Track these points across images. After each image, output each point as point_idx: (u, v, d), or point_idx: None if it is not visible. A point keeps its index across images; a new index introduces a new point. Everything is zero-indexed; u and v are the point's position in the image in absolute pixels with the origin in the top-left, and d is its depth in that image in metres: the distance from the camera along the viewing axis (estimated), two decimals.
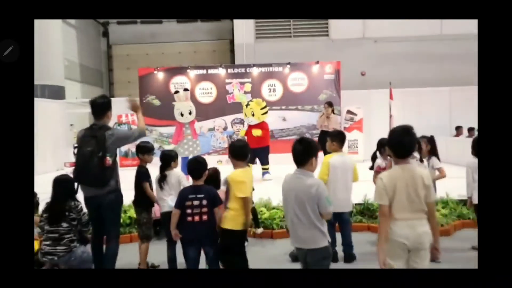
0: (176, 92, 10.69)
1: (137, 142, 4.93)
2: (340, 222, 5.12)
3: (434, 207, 3.20)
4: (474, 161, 5.44)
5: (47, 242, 4.79)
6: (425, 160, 5.56)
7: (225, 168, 9.97)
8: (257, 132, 9.26)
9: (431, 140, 5.57)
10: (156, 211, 5.30)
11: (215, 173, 4.80)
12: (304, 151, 3.39)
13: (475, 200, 5.48)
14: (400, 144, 3.18)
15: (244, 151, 4.18)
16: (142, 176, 4.91)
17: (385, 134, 3.75)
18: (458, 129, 13.02)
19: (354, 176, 5.06)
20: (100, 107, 4.38)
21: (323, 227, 3.37)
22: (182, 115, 9.43)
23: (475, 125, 12.74)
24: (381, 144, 5.54)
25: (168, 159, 4.96)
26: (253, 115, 9.48)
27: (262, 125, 9.46)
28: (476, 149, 5.45)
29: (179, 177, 4.94)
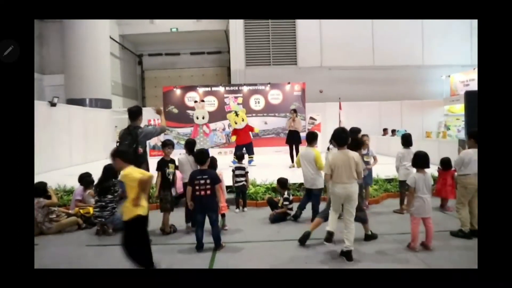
0: (196, 101, 10.90)
1: (163, 139, 4.87)
2: (312, 195, 4.97)
3: (361, 177, 3.71)
4: (402, 151, 5.46)
5: (97, 209, 4.74)
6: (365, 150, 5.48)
7: (224, 158, 9.85)
8: (249, 130, 9.68)
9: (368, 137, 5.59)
10: (178, 188, 5.05)
11: (214, 160, 4.62)
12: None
13: (400, 177, 5.51)
14: (340, 138, 3.73)
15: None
16: (157, 166, 4.59)
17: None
18: (385, 130, 13.12)
19: (318, 163, 4.84)
20: (134, 113, 4.37)
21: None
22: (198, 118, 10.02)
23: (396, 127, 12.95)
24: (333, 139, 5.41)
25: (194, 145, 4.84)
26: (243, 120, 9.71)
27: (248, 126, 9.77)
28: (403, 143, 5.47)
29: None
